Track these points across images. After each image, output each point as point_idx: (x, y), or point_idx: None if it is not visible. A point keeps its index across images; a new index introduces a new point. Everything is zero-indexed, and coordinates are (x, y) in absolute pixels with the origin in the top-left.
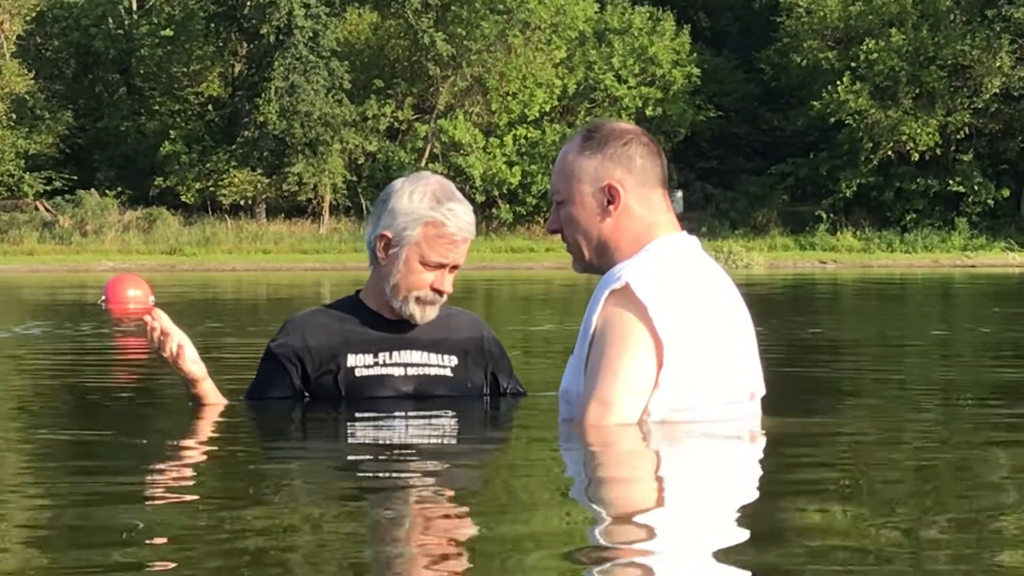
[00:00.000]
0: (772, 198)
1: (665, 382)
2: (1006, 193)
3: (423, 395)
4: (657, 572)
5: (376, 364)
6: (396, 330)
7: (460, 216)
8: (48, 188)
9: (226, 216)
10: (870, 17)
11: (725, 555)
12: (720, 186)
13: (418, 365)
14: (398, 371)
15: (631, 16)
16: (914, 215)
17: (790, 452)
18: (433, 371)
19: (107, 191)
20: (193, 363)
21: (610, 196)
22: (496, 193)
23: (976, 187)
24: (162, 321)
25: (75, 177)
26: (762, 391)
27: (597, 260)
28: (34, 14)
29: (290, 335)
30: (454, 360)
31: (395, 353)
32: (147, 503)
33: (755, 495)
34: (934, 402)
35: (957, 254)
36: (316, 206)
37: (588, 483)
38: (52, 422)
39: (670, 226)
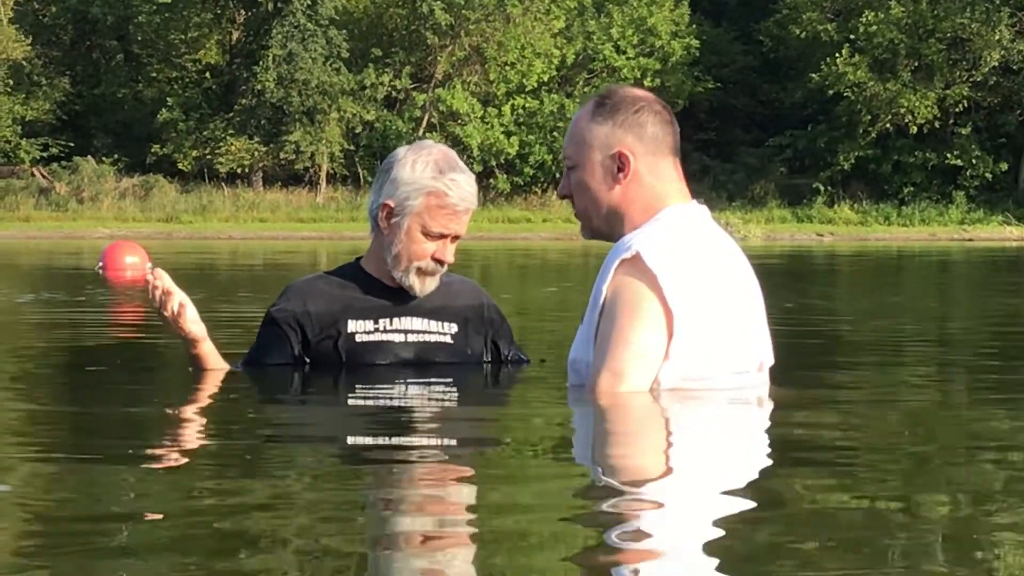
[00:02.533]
0: (770, 170)
1: (675, 352)
2: (1004, 167)
3: (423, 362)
4: (666, 541)
5: (376, 330)
6: (397, 297)
7: (463, 186)
8: (45, 155)
9: (223, 184)
10: None
11: (733, 523)
12: (718, 158)
13: (418, 332)
14: (398, 337)
15: None
16: (912, 188)
17: (799, 421)
18: (433, 338)
19: (104, 158)
20: (193, 323)
21: (620, 163)
22: (494, 163)
23: (974, 160)
24: (163, 280)
25: (72, 144)
26: (771, 361)
27: (606, 227)
28: None
29: (291, 300)
30: (454, 327)
31: (395, 320)
32: (145, 472)
33: (764, 464)
34: (936, 369)
35: (955, 227)
36: (313, 175)
37: (596, 452)
38: (48, 390)
39: (680, 195)
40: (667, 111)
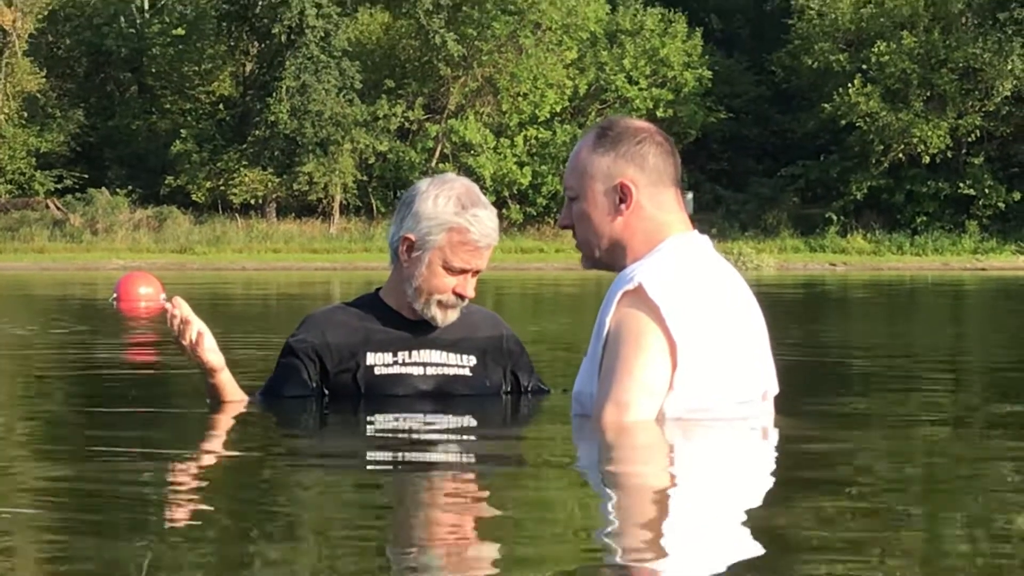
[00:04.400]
0: (782, 200)
1: (679, 383)
2: (1017, 196)
3: (442, 394)
4: (671, 571)
5: (395, 363)
6: (415, 329)
7: (484, 222)
8: (59, 186)
9: (236, 215)
10: (881, 20)
11: (738, 553)
12: (730, 188)
13: (437, 364)
14: (417, 370)
15: (643, 18)
16: (924, 218)
17: (803, 451)
18: (452, 371)
19: (118, 189)
20: (211, 352)
21: (622, 195)
22: (506, 194)
23: (987, 190)
24: (182, 309)
25: (86, 175)
26: (775, 390)
27: (607, 258)
28: (46, 13)
29: (310, 331)
30: (473, 359)
31: (414, 352)
32: (163, 503)
33: (768, 494)
34: (945, 402)
35: (968, 257)
36: (327, 206)
37: (604, 483)
38: (63, 420)
39: (682, 225)
40: (668, 142)
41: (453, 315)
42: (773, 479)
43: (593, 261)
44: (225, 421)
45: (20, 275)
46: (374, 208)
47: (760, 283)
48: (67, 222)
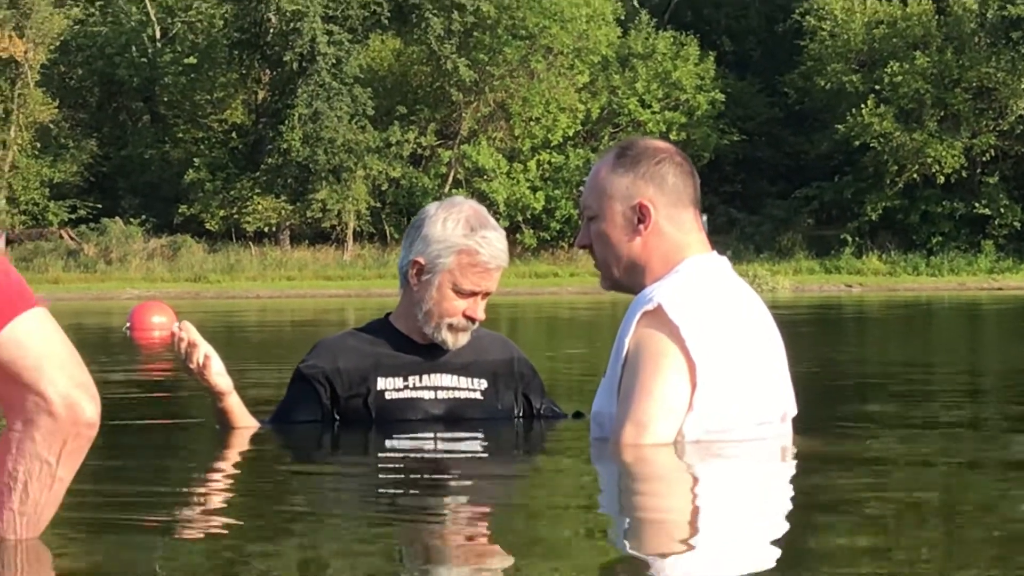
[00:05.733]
0: (797, 222)
1: (699, 403)
2: None
3: (454, 418)
4: None
5: (406, 387)
6: (426, 354)
7: (494, 244)
8: (73, 216)
9: (250, 243)
10: (894, 40)
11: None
12: (745, 210)
13: (448, 388)
14: (428, 394)
15: (655, 41)
16: (940, 238)
17: (822, 473)
18: (463, 394)
19: (131, 219)
20: (219, 376)
21: (641, 215)
22: (520, 218)
23: (1002, 210)
24: (190, 332)
25: (99, 205)
26: (794, 411)
27: (626, 279)
28: (58, 43)
29: (320, 357)
30: (484, 383)
31: (425, 376)
32: (171, 535)
33: (787, 516)
34: (964, 424)
35: (984, 277)
36: (340, 233)
37: (622, 506)
38: None
39: (700, 246)
40: (687, 162)
41: (464, 338)
42: (792, 501)
43: (612, 282)
44: (235, 447)
45: None
46: (388, 234)
47: (776, 305)
48: (81, 252)
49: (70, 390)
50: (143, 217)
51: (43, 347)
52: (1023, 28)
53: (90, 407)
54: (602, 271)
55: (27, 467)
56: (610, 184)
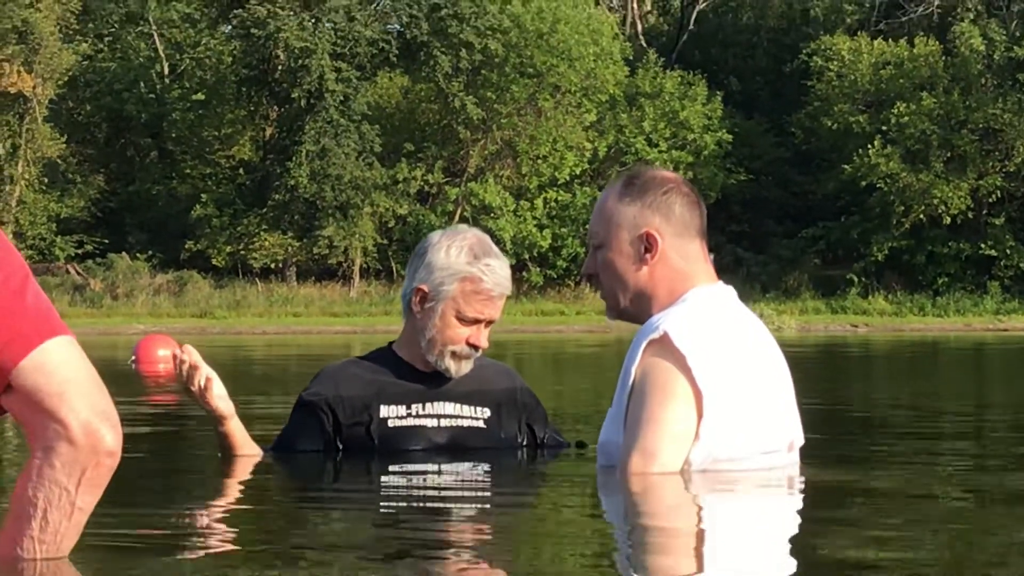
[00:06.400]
0: (803, 261)
1: (705, 432)
2: None
3: (457, 447)
4: None
5: (409, 415)
6: (429, 382)
7: (497, 272)
8: (79, 251)
9: (257, 279)
10: (901, 81)
11: None
12: (751, 249)
13: (451, 416)
14: (431, 423)
15: (662, 80)
16: (946, 279)
17: (829, 502)
18: (466, 423)
19: (138, 254)
20: (220, 399)
21: (647, 244)
22: (526, 256)
23: (1008, 251)
24: (191, 355)
25: (106, 240)
26: (801, 440)
27: (632, 308)
28: (67, 79)
29: (323, 384)
30: (487, 412)
31: (428, 405)
32: (174, 563)
33: (794, 545)
34: (969, 456)
35: (990, 318)
36: (347, 269)
37: (629, 535)
38: None
39: (707, 276)
40: (694, 193)
41: (467, 366)
42: (799, 529)
43: (618, 312)
44: (238, 476)
45: None
46: (394, 271)
47: (782, 344)
48: (87, 287)
49: (91, 418)
50: (150, 252)
51: (67, 374)
52: None
53: (110, 435)
54: (608, 301)
55: (46, 494)
56: (617, 213)
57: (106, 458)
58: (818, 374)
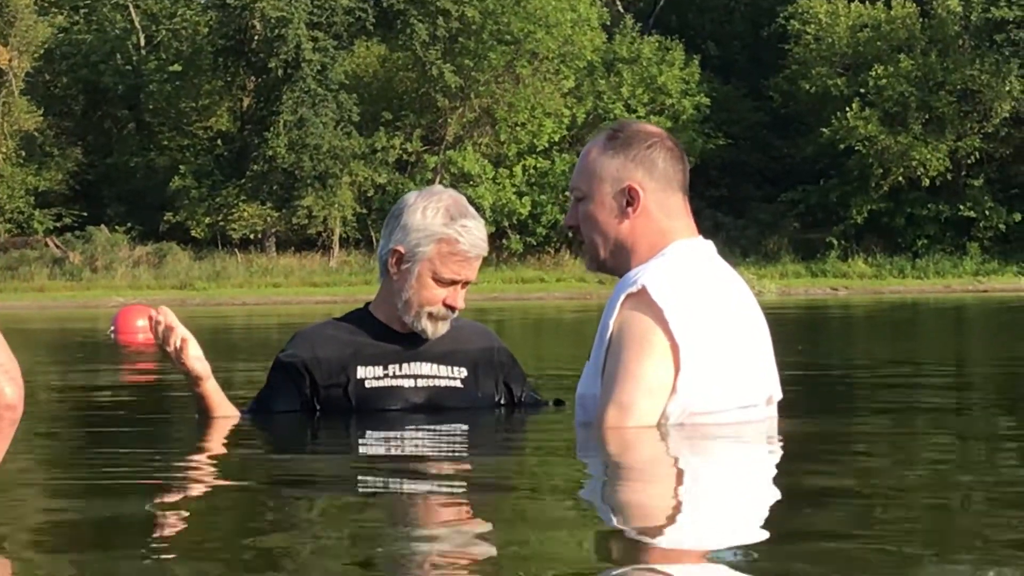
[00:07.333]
0: (783, 225)
1: (682, 386)
2: (1017, 218)
3: (433, 407)
4: None
5: (386, 376)
6: (406, 342)
7: (473, 233)
8: (58, 225)
9: (236, 250)
10: (878, 43)
11: (742, 559)
12: (730, 214)
13: (428, 377)
14: (408, 383)
15: (640, 46)
16: (925, 241)
17: (807, 455)
18: (443, 383)
19: (117, 227)
20: (196, 360)
21: (629, 198)
22: (506, 223)
23: (987, 212)
24: (167, 316)
25: (85, 213)
26: (779, 395)
27: (612, 260)
28: (42, 51)
29: (299, 346)
30: (464, 372)
31: (405, 365)
32: (148, 521)
33: (771, 499)
34: (949, 409)
35: (969, 279)
36: (326, 239)
37: (605, 488)
38: (58, 445)
39: (687, 231)
40: (678, 148)
41: (443, 327)
42: (777, 484)
43: (598, 264)
44: (215, 438)
45: (20, 314)
46: (374, 241)
47: (763, 308)
48: (67, 260)
49: None
50: (129, 225)
51: None
52: (1007, 30)
53: (9, 388)
54: (588, 252)
55: None
56: (600, 166)
57: (6, 411)
58: (799, 336)
